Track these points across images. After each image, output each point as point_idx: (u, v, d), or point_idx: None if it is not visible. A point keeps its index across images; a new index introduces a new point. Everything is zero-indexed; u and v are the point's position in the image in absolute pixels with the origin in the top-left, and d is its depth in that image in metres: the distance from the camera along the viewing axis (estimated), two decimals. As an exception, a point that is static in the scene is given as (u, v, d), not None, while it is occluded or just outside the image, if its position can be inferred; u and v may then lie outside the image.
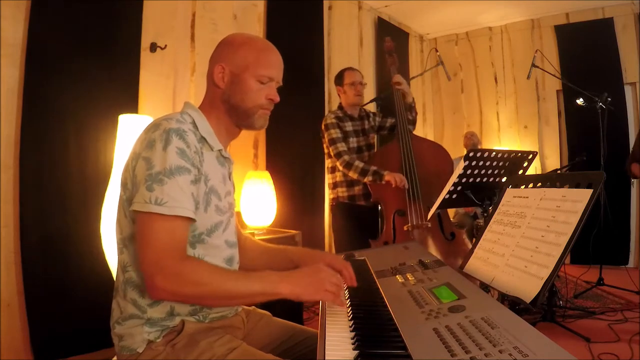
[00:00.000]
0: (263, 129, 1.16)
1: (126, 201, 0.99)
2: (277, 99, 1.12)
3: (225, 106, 1.10)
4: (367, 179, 2.63)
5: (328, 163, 2.95)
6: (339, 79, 2.92)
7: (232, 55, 1.09)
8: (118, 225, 1.03)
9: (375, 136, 3.05)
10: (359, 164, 2.66)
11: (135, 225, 0.95)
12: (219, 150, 1.09)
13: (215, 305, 1.04)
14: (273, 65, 1.11)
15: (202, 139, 1.04)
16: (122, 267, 1.02)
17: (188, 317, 1.01)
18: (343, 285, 0.98)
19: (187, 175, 0.95)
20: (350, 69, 2.96)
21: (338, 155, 2.72)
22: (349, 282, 1.13)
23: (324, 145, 2.91)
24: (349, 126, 2.84)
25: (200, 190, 0.99)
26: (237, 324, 1.13)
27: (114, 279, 1.10)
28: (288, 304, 1.09)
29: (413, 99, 2.91)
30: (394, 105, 2.85)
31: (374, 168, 2.62)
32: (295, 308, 2.60)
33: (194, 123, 1.04)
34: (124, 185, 1.01)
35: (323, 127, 2.83)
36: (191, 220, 0.95)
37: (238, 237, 1.23)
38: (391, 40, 3.04)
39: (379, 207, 2.85)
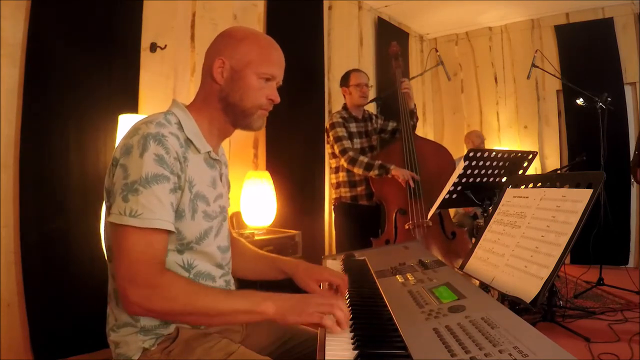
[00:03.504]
0: (260, 130, 1.11)
1: (108, 209, 0.94)
2: (278, 99, 1.06)
3: (222, 104, 1.03)
4: (373, 173, 2.64)
5: (332, 163, 2.96)
6: (345, 80, 2.93)
7: (233, 49, 1.02)
8: (105, 233, 1.00)
9: (377, 138, 3.07)
10: (363, 158, 2.68)
11: (112, 237, 0.91)
12: (208, 152, 1.04)
13: (194, 323, 0.98)
14: (276, 62, 1.05)
15: (188, 141, 0.98)
16: (112, 275, 1.00)
17: (183, 323, 0.98)
18: (346, 311, 0.89)
19: (166, 184, 0.90)
20: (356, 70, 2.98)
21: (343, 151, 2.73)
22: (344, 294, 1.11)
23: (329, 145, 2.92)
24: (353, 127, 2.86)
25: (184, 198, 0.95)
26: (235, 327, 1.10)
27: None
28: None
29: (415, 105, 2.94)
30: (397, 106, 2.87)
31: (379, 162, 2.65)
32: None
33: (179, 124, 0.99)
34: (107, 191, 0.95)
35: (328, 126, 2.84)
36: (169, 231, 0.91)
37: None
38: (397, 44, 3.06)
39: (381, 206, 2.86)
